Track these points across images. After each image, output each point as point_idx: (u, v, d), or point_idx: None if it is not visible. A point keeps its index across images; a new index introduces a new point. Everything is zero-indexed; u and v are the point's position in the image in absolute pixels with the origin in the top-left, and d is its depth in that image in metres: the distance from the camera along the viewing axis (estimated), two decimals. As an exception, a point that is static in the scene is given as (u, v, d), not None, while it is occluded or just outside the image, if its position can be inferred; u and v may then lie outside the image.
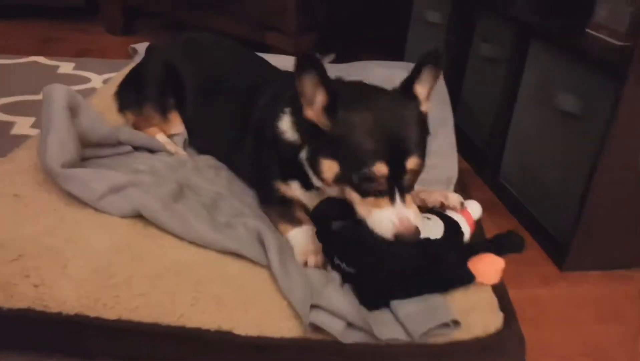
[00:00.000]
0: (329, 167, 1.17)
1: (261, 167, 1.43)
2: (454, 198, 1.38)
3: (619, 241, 1.80)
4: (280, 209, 1.37)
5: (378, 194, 1.13)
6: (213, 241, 1.24)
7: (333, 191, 1.24)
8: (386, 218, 1.11)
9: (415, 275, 1.12)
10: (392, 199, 1.12)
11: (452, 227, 1.28)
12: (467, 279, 1.17)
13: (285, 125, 1.33)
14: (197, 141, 1.75)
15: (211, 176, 1.57)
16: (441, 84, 2.25)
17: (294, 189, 1.36)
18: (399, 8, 2.89)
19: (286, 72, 1.57)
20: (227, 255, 1.24)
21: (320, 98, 1.16)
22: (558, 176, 1.86)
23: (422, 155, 1.18)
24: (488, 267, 1.18)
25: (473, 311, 1.13)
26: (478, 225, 1.42)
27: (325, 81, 1.15)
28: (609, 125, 1.58)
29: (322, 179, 1.22)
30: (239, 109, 1.55)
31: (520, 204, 2.06)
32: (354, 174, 1.13)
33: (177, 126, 1.76)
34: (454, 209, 1.35)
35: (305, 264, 1.21)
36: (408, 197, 1.15)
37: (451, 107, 2.17)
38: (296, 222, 1.33)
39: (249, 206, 1.44)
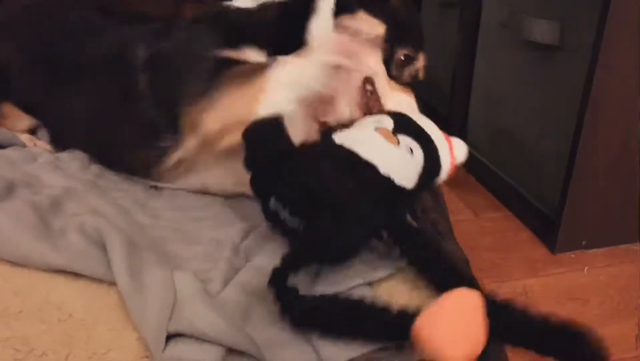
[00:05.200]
0: (373, 26, 1.06)
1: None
2: None
3: (621, 207, 1.54)
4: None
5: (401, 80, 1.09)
6: (33, 255, 0.90)
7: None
8: (411, 103, 1.09)
9: None
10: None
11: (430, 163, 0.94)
12: None
13: None
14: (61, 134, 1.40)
15: (73, 170, 1.25)
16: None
17: (250, 56, 1.07)
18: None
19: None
20: (57, 274, 0.90)
21: None
22: (537, 132, 1.62)
23: None
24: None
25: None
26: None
27: None
28: (595, 52, 1.31)
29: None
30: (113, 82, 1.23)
31: (495, 175, 1.81)
32: (402, 48, 1.07)
33: (20, 119, 1.43)
34: None
35: None
36: None
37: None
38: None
39: (111, 201, 1.10)
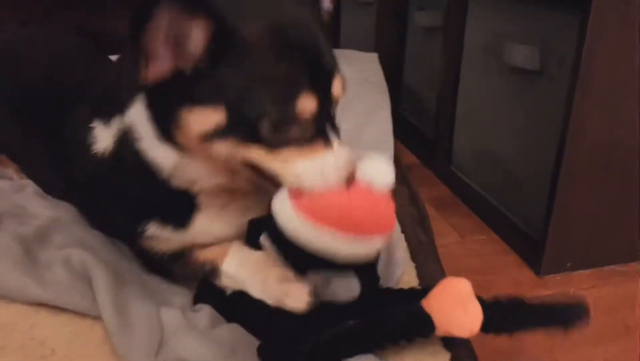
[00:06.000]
0: (205, 118, 0.75)
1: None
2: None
3: (605, 228, 1.52)
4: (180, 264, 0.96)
5: (299, 142, 0.75)
6: (18, 289, 0.90)
7: (199, 169, 0.85)
8: (328, 165, 0.75)
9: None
10: (328, 142, 0.76)
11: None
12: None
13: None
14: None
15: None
16: (376, 65, 2.02)
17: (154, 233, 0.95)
18: (325, -6, 2.63)
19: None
20: (41, 308, 0.89)
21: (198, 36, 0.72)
22: (521, 155, 1.62)
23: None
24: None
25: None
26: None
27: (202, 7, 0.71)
28: (574, 76, 1.31)
29: (180, 142, 0.81)
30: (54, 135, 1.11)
31: (480, 197, 1.79)
32: (264, 120, 0.73)
33: (7, 165, 1.36)
34: None
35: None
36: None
37: (389, 93, 1.90)
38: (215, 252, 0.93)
39: (97, 231, 1.08)
